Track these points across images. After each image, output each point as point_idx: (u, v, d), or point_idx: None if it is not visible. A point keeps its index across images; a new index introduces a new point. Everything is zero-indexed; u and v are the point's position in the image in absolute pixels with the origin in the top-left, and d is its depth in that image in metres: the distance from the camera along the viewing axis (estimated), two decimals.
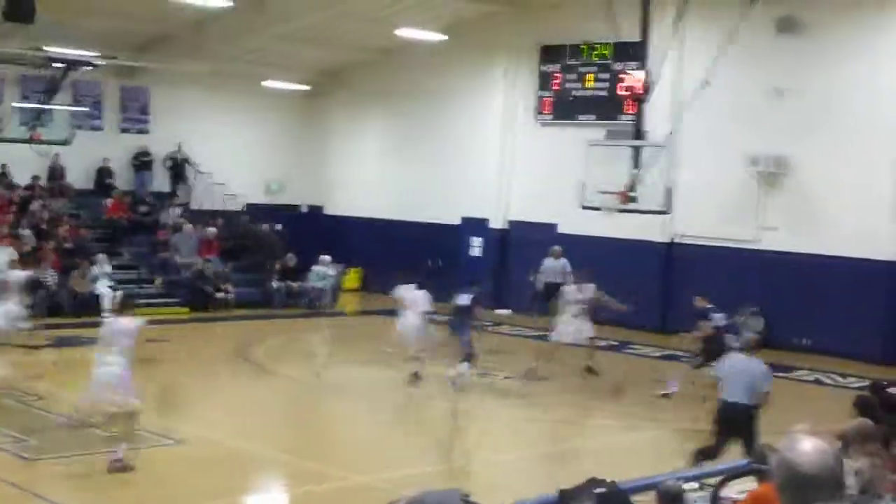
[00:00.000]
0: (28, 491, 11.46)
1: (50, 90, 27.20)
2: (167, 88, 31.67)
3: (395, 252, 31.24)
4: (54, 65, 26.56)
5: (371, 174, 33.16)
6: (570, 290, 20.64)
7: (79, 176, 30.47)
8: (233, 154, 32.45)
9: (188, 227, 29.38)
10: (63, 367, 19.49)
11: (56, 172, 29.85)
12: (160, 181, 31.99)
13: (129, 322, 12.41)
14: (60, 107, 28.12)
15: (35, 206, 28.16)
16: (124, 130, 31.81)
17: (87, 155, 29.87)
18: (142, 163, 31.54)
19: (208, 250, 29.21)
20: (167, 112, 31.95)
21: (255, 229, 31.69)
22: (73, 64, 26.82)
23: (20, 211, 27.87)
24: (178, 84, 31.32)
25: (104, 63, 28.44)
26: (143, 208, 30.27)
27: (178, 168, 31.97)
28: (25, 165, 28.88)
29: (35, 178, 29.15)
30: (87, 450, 13.43)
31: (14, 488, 11.47)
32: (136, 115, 32.05)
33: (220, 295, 27.65)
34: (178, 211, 30.45)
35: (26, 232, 26.89)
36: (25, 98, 28.53)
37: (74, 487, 11.96)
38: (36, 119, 27.50)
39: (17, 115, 27.36)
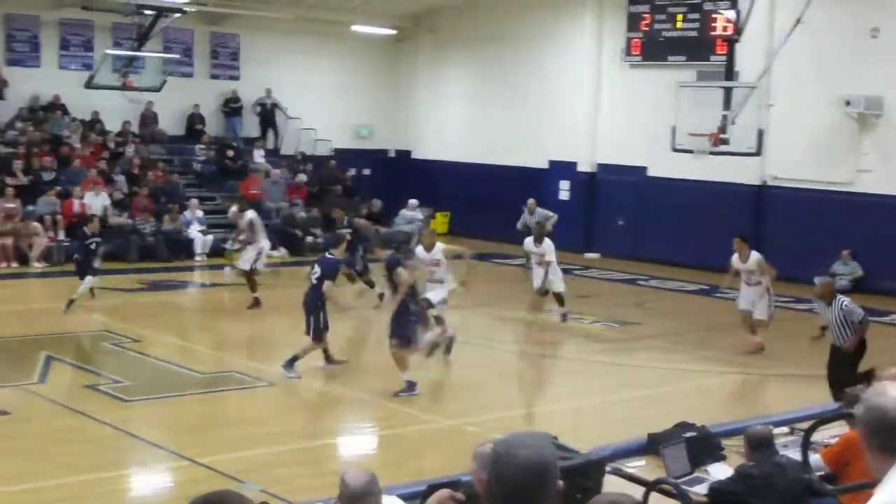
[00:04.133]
0: (124, 431, 11.71)
1: (141, 37, 27.47)
2: (257, 34, 31.81)
3: (482, 196, 31.29)
4: (145, 12, 26.80)
5: (458, 118, 33.07)
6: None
7: (170, 122, 30.82)
8: (321, 99, 32.57)
9: (276, 171, 29.62)
10: (157, 310, 19.90)
11: (148, 119, 30.23)
12: (250, 127, 32.26)
13: None
14: (151, 54, 28.39)
15: (128, 152, 28.57)
16: (214, 77, 32.06)
17: (177, 101, 30.18)
18: (231, 109, 31.82)
19: (296, 195, 29.43)
20: (257, 58, 32.11)
21: (340, 175, 31.81)
22: (163, 11, 27.05)
23: (113, 157, 28.29)
24: (268, 30, 31.45)
25: (194, 10, 28.65)
26: (231, 153, 30.52)
27: (268, 114, 32.21)
28: (117, 112, 29.31)
29: (126, 123, 29.54)
30: (181, 391, 13.70)
31: (111, 428, 11.73)
32: (226, 61, 32.28)
33: (309, 239, 27.86)
34: (261, 154, 30.72)
35: (119, 178, 27.32)
36: (117, 45, 28.85)
37: (163, 427, 12.19)
38: (127, 66, 27.83)
39: (109, 62, 27.68)
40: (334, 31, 32.31)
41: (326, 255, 15.32)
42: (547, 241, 19.44)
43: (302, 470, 10.57)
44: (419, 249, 16.36)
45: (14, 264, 23.43)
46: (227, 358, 15.77)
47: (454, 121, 33.13)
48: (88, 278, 18.21)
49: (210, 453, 10.83)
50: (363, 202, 29.48)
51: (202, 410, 13.17)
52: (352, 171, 32.21)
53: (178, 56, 30.10)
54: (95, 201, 25.53)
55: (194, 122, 31.07)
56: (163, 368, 14.74)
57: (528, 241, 19.93)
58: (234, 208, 21.71)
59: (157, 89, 28.27)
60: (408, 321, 13.79)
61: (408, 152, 34.99)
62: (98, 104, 28.85)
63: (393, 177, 32.56)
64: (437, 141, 33.65)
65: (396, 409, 13.19)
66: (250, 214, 20.33)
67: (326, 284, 14.42)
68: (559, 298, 19.32)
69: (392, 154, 35.19)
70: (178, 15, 27.88)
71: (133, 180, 27.45)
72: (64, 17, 29.07)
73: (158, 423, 12.41)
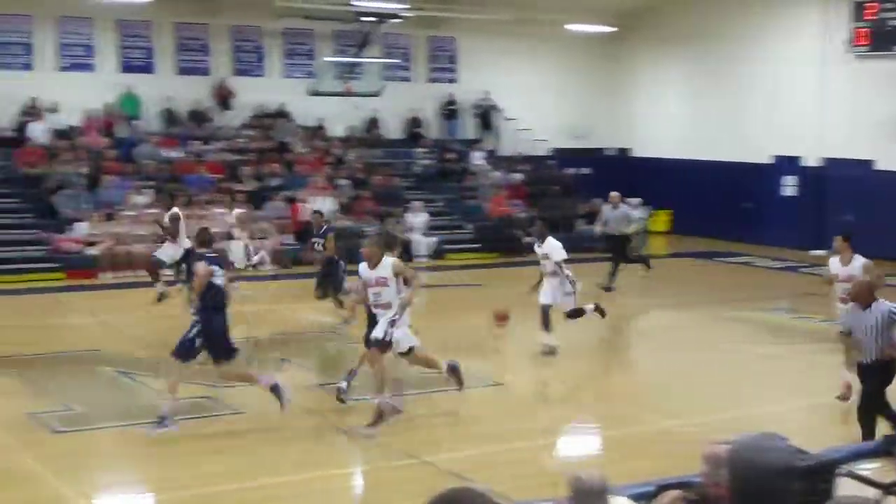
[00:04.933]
0: (334, 424, 11.99)
1: (361, 44, 28.07)
2: (473, 37, 32.09)
3: (703, 193, 30.74)
4: (364, 19, 27.37)
5: (678, 115, 32.59)
6: None
7: (390, 126, 31.39)
8: (538, 99, 32.60)
9: (494, 173, 29.80)
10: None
11: (370, 123, 30.89)
12: (468, 129, 32.57)
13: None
14: (371, 60, 28.98)
15: (351, 156, 29.24)
16: (433, 80, 32.50)
17: (397, 105, 30.71)
18: (450, 111, 32.20)
19: (515, 196, 29.52)
20: (474, 61, 32.40)
21: (559, 174, 31.79)
22: (381, 17, 27.58)
23: (337, 162, 29.00)
24: (484, 32, 31.67)
25: (412, 15, 29.09)
26: (450, 155, 30.86)
27: (485, 115, 32.45)
28: (340, 118, 30.04)
29: (349, 129, 30.25)
30: (404, 390, 13.88)
31: (337, 425, 12.00)
32: (444, 64, 32.69)
33: (527, 239, 27.86)
34: (480, 155, 30.96)
35: (343, 182, 27.97)
36: (338, 53, 29.57)
37: (390, 427, 12.37)
38: (348, 73, 28.49)
39: (330, 69, 28.39)
40: (550, 31, 32.27)
41: None
42: (551, 240, 16.11)
43: (522, 469, 10.56)
44: (361, 266, 12.40)
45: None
46: (449, 358, 15.91)
47: (673, 117, 32.66)
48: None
49: (432, 452, 10.94)
50: (582, 202, 29.42)
51: (421, 410, 13.31)
52: (570, 171, 32.13)
53: (397, 61, 30.64)
54: (321, 205, 26.19)
55: (414, 126, 31.56)
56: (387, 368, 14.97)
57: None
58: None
59: (377, 94, 28.85)
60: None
61: (626, 150, 34.67)
62: (321, 111, 29.62)
63: (612, 175, 32.30)
64: (656, 138, 33.24)
65: (614, 409, 13.06)
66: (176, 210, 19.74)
67: None
68: (574, 314, 16.12)
69: (610, 152, 34.92)
70: (396, 21, 28.36)
71: (356, 184, 28.06)
72: (287, 27, 29.95)
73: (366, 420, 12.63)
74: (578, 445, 12.37)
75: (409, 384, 14.06)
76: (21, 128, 26.97)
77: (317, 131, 30.12)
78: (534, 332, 16.17)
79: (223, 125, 29.30)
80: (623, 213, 23.10)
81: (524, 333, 17.04)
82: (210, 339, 11.72)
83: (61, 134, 27.10)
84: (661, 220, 31.98)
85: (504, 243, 27.45)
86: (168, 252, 18.33)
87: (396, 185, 29.16)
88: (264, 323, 17.71)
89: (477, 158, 30.95)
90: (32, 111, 27.17)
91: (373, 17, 27.50)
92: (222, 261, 12.73)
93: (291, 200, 26.63)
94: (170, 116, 28.98)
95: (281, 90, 29.81)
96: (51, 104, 27.34)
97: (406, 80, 31.74)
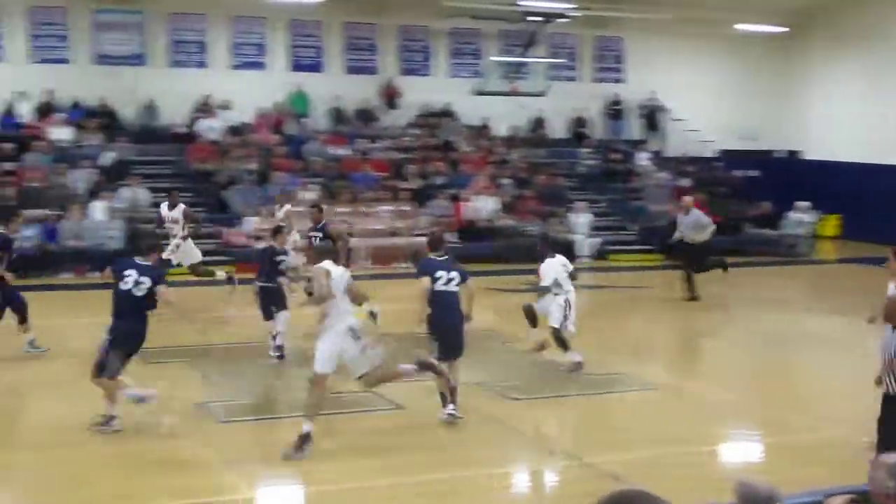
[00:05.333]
0: (508, 426, 11.95)
1: (527, 44, 28.06)
2: (640, 37, 31.81)
3: (876, 197, 29.81)
4: (531, 19, 27.36)
5: (851, 117, 31.66)
6: None
7: (554, 126, 31.32)
8: (705, 100, 32.16)
9: (660, 175, 29.46)
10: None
11: (535, 123, 30.87)
12: (633, 129, 32.28)
13: None
14: (537, 59, 28.94)
15: (515, 156, 29.26)
16: (598, 80, 32.31)
17: (561, 105, 30.62)
18: (615, 111, 31.96)
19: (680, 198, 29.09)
20: (640, 61, 32.12)
21: (727, 176, 31.24)
22: (548, 17, 27.53)
23: (501, 162, 29.05)
24: (652, 32, 31.35)
25: (579, 14, 28.97)
26: (615, 156, 30.63)
27: (651, 116, 32.12)
28: (504, 118, 30.10)
29: (513, 128, 30.29)
30: (565, 392, 13.81)
31: (497, 425, 12.00)
32: (610, 64, 32.47)
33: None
34: (645, 156, 30.65)
35: (507, 181, 28.00)
36: (504, 52, 29.63)
37: (548, 426, 12.34)
38: (514, 72, 28.51)
39: (496, 69, 28.45)
40: (719, 30, 31.78)
41: None
42: (548, 262, 14.80)
43: (685, 473, 10.39)
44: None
45: (407, 265, 24.41)
46: (610, 359, 15.77)
47: (847, 119, 31.75)
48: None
49: (594, 454, 10.85)
50: (752, 205, 28.86)
51: (586, 411, 13.23)
52: (738, 173, 31.56)
53: (563, 61, 30.54)
54: (484, 204, 26.32)
55: (579, 126, 31.42)
56: (547, 368, 14.92)
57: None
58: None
59: (543, 94, 28.79)
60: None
61: (797, 153, 33.87)
62: (486, 110, 29.72)
63: (781, 178, 31.60)
64: (829, 140, 32.38)
65: (781, 415, 12.76)
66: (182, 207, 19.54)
67: None
68: (558, 341, 14.66)
69: (780, 154, 34.16)
70: (562, 20, 28.27)
71: (520, 184, 28.05)
72: (454, 26, 30.13)
73: (543, 422, 12.58)
74: (744, 451, 12.12)
75: (575, 385, 13.98)
76: (193, 124, 27.75)
77: (481, 130, 30.23)
78: (698, 338, 15.92)
79: (389, 124, 29.65)
80: (695, 220, 21.40)
81: (689, 338, 16.85)
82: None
83: (233, 131, 27.78)
84: (831, 224, 31.18)
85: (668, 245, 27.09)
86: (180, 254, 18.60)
87: (560, 185, 29.05)
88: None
89: (642, 159, 30.65)
90: (205, 108, 27.94)
91: (540, 16, 27.47)
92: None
93: (455, 199, 26.78)
94: (338, 115, 29.46)
95: (447, 89, 30.02)
96: (223, 101, 28.05)
97: (571, 79, 31.64)
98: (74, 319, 17.61)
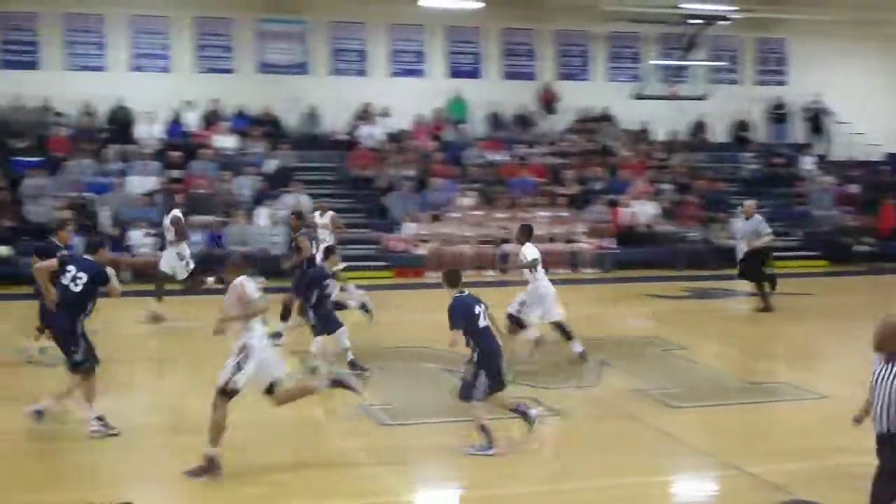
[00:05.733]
0: (670, 436, 11.77)
1: (687, 47, 27.71)
2: (805, 39, 31.13)
3: None
4: (691, 21, 27.01)
5: None
6: None
7: (715, 129, 30.86)
8: (871, 102, 31.22)
9: (825, 179, 28.78)
10: (704, 318, 19.90)
11: (695, 127, 30.47)
12: (797, 133, 31.58)
13: None
14: (698, 62, 28.55)
15: (675, 160, 28.91)
16: (760, 83, 31.73)
17: (722, 108, 30.15)
18: (778, 115, 31.34)
19: (848, 203, 28.39)
20: (804, 63, 31.44)
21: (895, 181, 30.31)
22: (710, 19, 27.13)
23: (660, 166, 28.73)
24: (816, 34, 30.63)
25: (741, 16, 28.47)
26: (778, 160, 30.01)
27: (816, 119, 31.39)
28: (664, 122, 29.76)
29: (673, 132, 29.93)
30: (726, 399, 13.56)
31: (657, 432, 11.84)
32: (772, 66, 31.86)
33: (860, 248, 26.73)
34: (810, 160, 29.96)
35: (667, 186, 27.68)
36: (664, 56, 29.31)
37: (709, 434, 12.11)
38: (674, 76, 28.18)
39: (656, 73, 28.16)
40: (883, 31, 30.85)
41: None
42: (528, 246, 14.72)
43: (849, 485, 10.09)
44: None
45: (565, 270, 24.29)
46: (770, 368, 15.44)
47: None
48: None
49: (756, 464, 10.61)
50: None
51: (748, 419, 12.96)
52: None
53: (724, 63, 30.07)
54: (643, 209, 26.06)
55: (740, 130, 30.90)
56: (708, 376, 14.68)
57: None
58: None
59: (704, 98, 28.40)
60: None
61: None
62: (645, 114, 29.44)
63: None
64: None
65: None
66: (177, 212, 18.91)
67: None
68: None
69: None
70: (724, 23, 27.84)
71: (680, 189, 27.70)
72: (613, 30, 29.94)
73: (704, 431, 12.35)
74: None
75: (740, 392, 13.72)
76: (354, 131, 28.16)
77: (640, 135, 29.95)
78: (866, 347, 15.37)
79: (547, 129, 29.60)
80: (754, 226, 20.42)
81: (857, 345, 16.29)
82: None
83: (392, 137, 28.10)
84: None
85: (834, 251, 26.45)
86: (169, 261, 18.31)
87: (721, 189, 28.57)
88: (588, 326, 17.74)
89: (807, 163, 29.95)
90: (365, 115, 28.33)
91: (701, 19, 27.08)
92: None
93: (613, 204, 26.57)
94: (495, 120, 29.54)
95: (605, 94, 29.86)
96: (382, 109, 28.40)
97: (733, 82, 31.13)
98: None
